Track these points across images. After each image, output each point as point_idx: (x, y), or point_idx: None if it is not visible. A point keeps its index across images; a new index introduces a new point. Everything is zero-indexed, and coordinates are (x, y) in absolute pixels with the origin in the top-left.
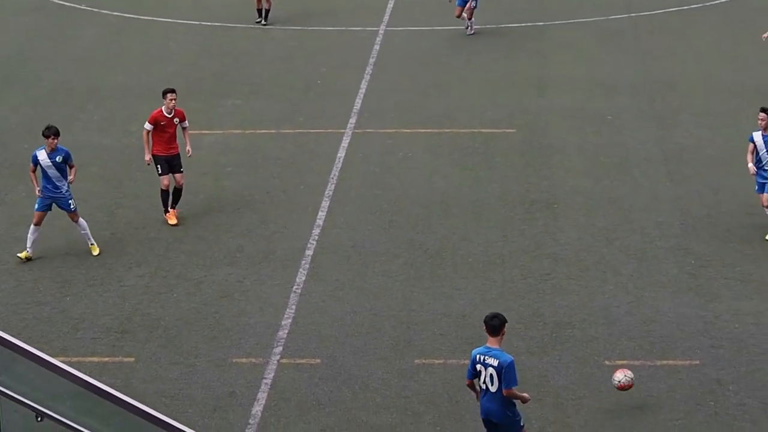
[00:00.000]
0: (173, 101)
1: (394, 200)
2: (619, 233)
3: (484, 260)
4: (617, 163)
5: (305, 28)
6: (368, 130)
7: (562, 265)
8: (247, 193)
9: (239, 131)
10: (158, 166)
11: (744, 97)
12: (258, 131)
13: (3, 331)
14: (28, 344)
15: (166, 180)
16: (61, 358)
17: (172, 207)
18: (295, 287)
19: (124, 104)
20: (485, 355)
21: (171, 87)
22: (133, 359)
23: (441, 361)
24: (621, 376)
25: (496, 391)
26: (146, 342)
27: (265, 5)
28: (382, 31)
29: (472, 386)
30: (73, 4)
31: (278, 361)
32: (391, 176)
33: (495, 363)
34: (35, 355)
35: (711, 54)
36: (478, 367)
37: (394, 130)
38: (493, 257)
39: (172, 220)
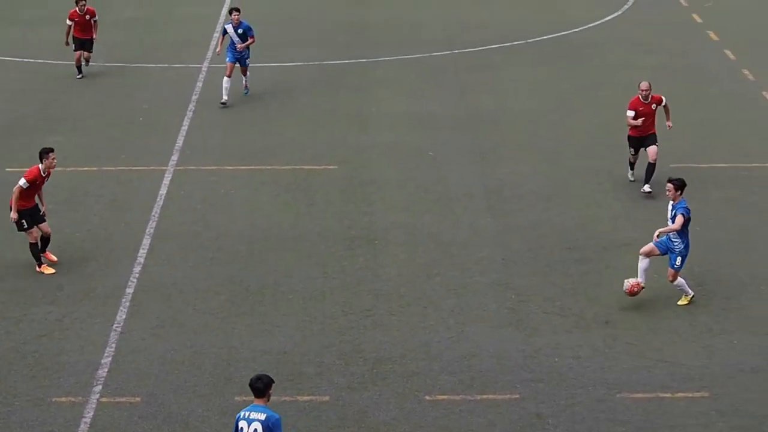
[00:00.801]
0: (55, 160)
1: (215, 237)
2: (440, 268)
3: (305, 296)
4: (438, 198)
5: (127, 64)
6: (190, 167)
7: (382, 300)
8: (67, 231)
9: (61, 168)
10: (23, 221)
11: (563, 132)
12: (80, 168)
13: None
14: None
15: (35, 232)
16: None
17: (43, 252)
18: (115, 325)
19: None
20: (251, 411)
21: (51, 146)
22: None
23: None
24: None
25: None
26: None
27: (84, 55)
28: (205, 69)
29: None
30: None
31: (98, 399)
32: (213, 213)
33: (262, 417)
34: None
35: (531, 90)
36: (241, 423)
37: (216, 167)
38: (314, 293)
39: (50, 270)
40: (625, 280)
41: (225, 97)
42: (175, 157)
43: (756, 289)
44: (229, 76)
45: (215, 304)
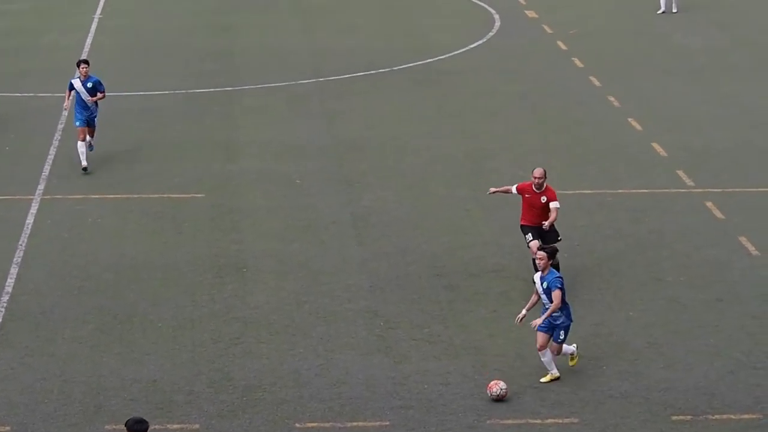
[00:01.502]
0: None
1: (83, 266)
2: (309, 296)
3: (174, 325)
4: (306, 226)
5: None
6: (57, 196)
7: (251, 328)
8: None
9: None
10: None
11: (430, 158)
12: None
13: None
14: None
15: None
16: None
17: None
18: None
19: None
20: None
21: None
22: None
23: None
24: (497, 389)
25: None
26: None
27: None
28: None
29: None
30: None
31: None
32: (81, 242)
33: None
34: None
35: (398, 117)
36: None
37: (82, 196)
38: (183, 321)
39: None
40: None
41: (84, 163)
42: (41, 186)
43: (625, 315)
44: (83, 140)
45: (84, 332)
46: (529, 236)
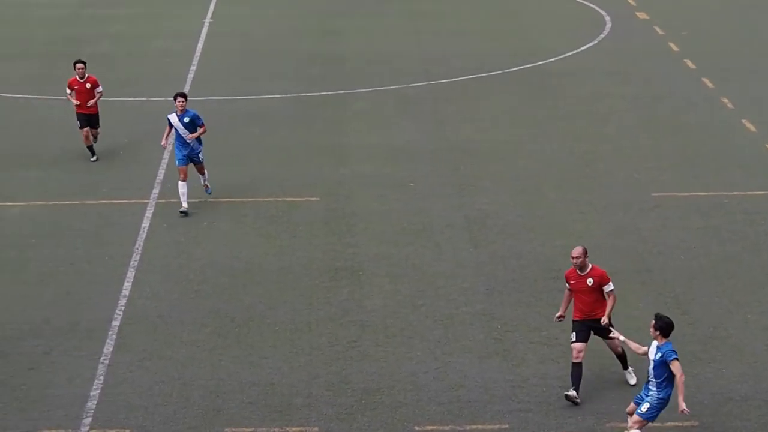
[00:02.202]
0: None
1: (199, 269)
2: (425, 299)
3: (291, 328)
4: (420, 229)
5: (107, 99)
6: (172, 200)
7: (368, 331)
8: (51, 265)
9: (42, 202)
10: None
11: (542, 161)
12: (61, 202)
13: None
14: None
15: None
16: None
17: None
18: (102, 358)
19: None
20: None
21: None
22: None
23: (251, 430)
24: None
25: None
26: None
27: (92, 132)
28: None
29: None
30: None
31: (87, 431)
32: (196, 246)
33: None
34: None
35: (509, 119)
36: None
37: (197, 200)
38: (300, 325)
39: None
40: None
41: (184, 205)
42: (156, 190)
43: (742, 317)
44: (184, 180)
45: (202, 336)
46: (574, 335)
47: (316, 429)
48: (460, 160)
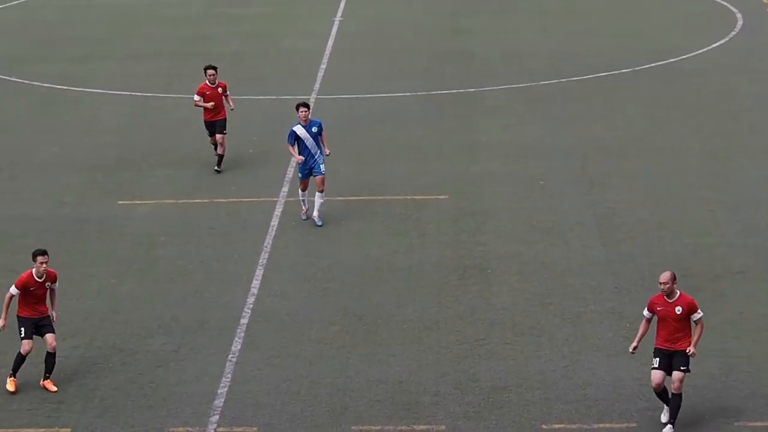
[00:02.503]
0: (44, 264)
1: (327, 268)
2: (554, 297)
3: (419, 326)
4: (549, 227)
5: (235, 97)
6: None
7: (497, 329)
8: (180, 263)
9: (172, 201)
10: (22, 328)
11: (673, 159)
12: (191, 201)
13: None
14: None
15: (28, 345)
16: None
17: (46, 375)
18: (230, 356)
19: (55, 175)
20: None
21: (42, 249)
22: (69, 430)
23: (378, 428)
24: None
25: None
26: (82, 412)
27: (219, 150)
28: (313, 99)
29: None
30: (2, 76)
31: (215, 429)
32: (325, 244)
33: None
34: None
35: (640, 118)
36: None
37: (326, 198)
38: (428, 323)
39: (11, 387)
40: None
41: (304, 208)
42: (285, 189)
43: None
44: (304, 190)
45: (329, 334)
46: (656, 361)
47: (444, 427)
48: (590, 157)
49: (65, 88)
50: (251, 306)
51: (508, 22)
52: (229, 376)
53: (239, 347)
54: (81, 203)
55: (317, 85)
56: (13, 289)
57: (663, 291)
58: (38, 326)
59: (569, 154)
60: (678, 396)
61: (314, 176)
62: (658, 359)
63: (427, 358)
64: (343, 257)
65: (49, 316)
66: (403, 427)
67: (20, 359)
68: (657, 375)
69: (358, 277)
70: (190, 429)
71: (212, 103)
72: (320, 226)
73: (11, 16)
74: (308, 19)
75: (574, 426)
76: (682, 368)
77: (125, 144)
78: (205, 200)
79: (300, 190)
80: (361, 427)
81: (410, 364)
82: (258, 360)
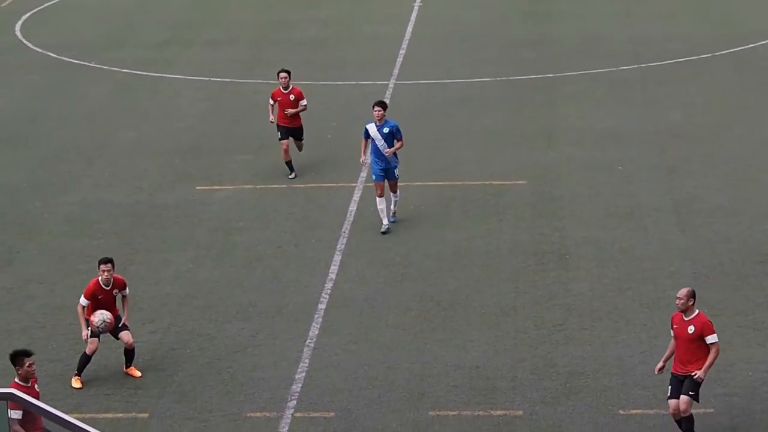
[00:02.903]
0: (106, 272)
1: (405, 253)
2: (631, 283)
3: (497, 311)
4: (628, 213)
5: (314, 82)
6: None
7: (574, 315)
8: (258, 248)
9: (250, 186)
10: (89, 329)
11: (752, 146)
12: (269, 186)
13: (16, 390)
14: (42, 402)
15: (94, 344)
16: (75, 415)
17: (127, 366)
18: (308, 341)
19: (133, 161)
20: None
21: (106, 257)
22: (147, 415)
23: (455, 413)
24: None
25: None
26: (160, 397)
27: (296, 144)
28: (392, 85)
29: None
30: (82, 62)
31: (292, 414)
32: (402, 229)
33: None
34: (50, 412)
35: (719, 103)
36: None
37: (404, 183)
38: (506, 308)
39: (77, 384)
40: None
41: (385, 222)
42: (364, 174)
43: None
44: (381, 196)
45: (407, 319)
46: (669, 389)
47: (521, 413)
48: (669, 143)
49: (144, 74)
50: (329, 291)
51: (588, 7)
52: (307, 361)
53: (317, 332)
54: (159, 189)
55: (396, 71)
56: (83, 300)
57: (678, 307)
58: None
59: (648, 139)
60: (688, 419)
61: (388, 180)
62: (671, 387)
63: (504, 344)
64: (421, 242)
65: (119, 316)
66: (481, 413)
67: (86, 359)
68: (672, 404)
69: (436, 262)
70: (267, 414)
71: (272, 119)
72: (393, 222)
73: (90, 3)
74: (388, 3)
75: (651, 411)
76: (690, 393)
77: (203, 130)
78: (284, 185)
79: (377, 197)
80: (438, 412)
81: (487, 350)
82: (335, 345)
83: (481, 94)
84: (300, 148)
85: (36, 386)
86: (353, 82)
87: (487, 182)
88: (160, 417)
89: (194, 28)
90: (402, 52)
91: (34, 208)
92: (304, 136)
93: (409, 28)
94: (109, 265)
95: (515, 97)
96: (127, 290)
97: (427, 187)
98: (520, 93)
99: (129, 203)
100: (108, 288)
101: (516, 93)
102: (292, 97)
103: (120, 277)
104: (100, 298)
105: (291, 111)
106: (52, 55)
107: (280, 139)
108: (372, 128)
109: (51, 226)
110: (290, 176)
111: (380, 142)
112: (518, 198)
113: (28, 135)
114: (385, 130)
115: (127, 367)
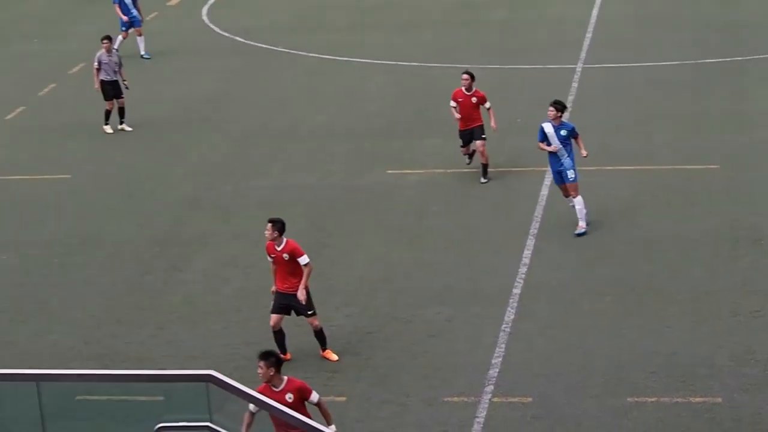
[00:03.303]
0: (267, 232)
1: (597, 238)
2: None
3: (692, 297)
4: None
5: (503, 66)
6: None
7: None
8: (452, 233)
9: (441, 170)
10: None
11: None
12: (460, 171)
13: (216, 371)
14: (241, 384)
15: (272, 320)
16: None
17: (323, 349)
18: (504, 326)
19: (323, 144)
20: None
21: (272, 218)
22: (344, 399)
23: (654, 399)
24: None
25: None
26: (357, 381)
27: (481, 159)
28: (580, 69)
29: None
30: (270, 47)
31: (490, 399)
32: (594, 214)
33: None
34: (249, 395)
35: None
36: None
37: (595, 168)
38: (701, 294)
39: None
40: None
41: (581, 224)
42: None
43: None
44: (567, 196)
45: (602, 304)
46: None
47: (720, 400)
48: None
49: (332, 57)
50: (523, 276)
51: None
52: (503, 346)
53: (512, 317)
54: (350, 172)
55: (583, 54)
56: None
57: None
58: (290, 305)
59: None
60: None
61: (565, 183)
62: None
63: (701, 330)
64: (613, 227)
65: (295, 295)
66: (679, 399)
67: (274, 335)
68: None
69: (628, 246)
70: (465, 399)
71: (459, 117)
72: (583, 234)
73: None
74: None
75: None
76: None
77: (392, 113)
78: (474, 170)
79: (564, 197)
80: (636, 399)
81: (684, 336)
82: (531, 330)
83: (668, 77)
84: (482, 151)
85: (474, 99)
86: (540, 66)
87: (678, 166)
88: (357, 400)
89: (381, 12)
90: (588, 35)
91: (227, 191)
92: (485, 134)
93: (595, 12)
94: (269, 224)
95: (703, 80)
96: (305, 260)
97: (618, 171)
98: (708, 76)
99: (321, 187)
100: (279, 249)
101: (704, 76)
102: (474, 99)
103: (292, 242)
104: (272, 258)
105: (494, 126)
106: (239, 39)
107: (461, 146)
108: (548, 127)
109: (244, 210)
110: (482, 181)
111: (556, 141)
112: (711, 182)
113: (218, 119)
114: (562, 132)
115: (323, 350)
